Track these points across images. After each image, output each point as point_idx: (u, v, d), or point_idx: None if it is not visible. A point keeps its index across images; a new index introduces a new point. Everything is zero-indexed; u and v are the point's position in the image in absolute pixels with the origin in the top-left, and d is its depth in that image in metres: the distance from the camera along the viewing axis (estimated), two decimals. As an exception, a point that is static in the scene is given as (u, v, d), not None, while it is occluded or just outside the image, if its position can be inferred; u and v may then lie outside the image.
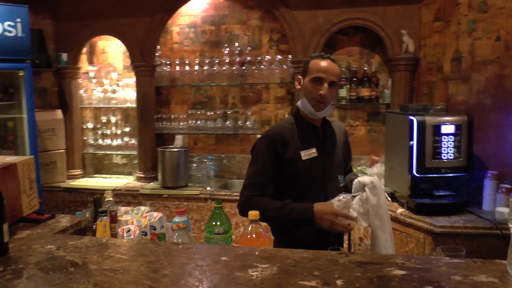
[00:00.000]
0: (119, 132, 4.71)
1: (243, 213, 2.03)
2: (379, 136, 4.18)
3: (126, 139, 4.66)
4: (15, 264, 1.47)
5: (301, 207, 2.00)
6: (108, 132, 4.74)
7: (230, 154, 4.54)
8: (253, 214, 1.62)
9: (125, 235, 1.84)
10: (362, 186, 2.03)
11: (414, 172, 3.00)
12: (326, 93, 2.08)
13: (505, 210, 2.82)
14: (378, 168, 3.76)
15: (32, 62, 3.78)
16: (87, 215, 2.02)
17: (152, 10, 4.37)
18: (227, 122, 4.39)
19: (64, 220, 2.03)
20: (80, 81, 4.75)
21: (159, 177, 4.20)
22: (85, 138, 4.80)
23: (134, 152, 4.58)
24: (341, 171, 2.29)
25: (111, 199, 2.03)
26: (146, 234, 1.95)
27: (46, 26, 4.57)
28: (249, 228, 1.63)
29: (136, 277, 1.32)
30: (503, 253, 2.68)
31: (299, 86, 2.21)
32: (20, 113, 3.80)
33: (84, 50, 4.73)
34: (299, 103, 2.19)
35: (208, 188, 4.03)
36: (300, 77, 2.20)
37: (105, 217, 1.82)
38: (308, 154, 2.13)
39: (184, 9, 4.48)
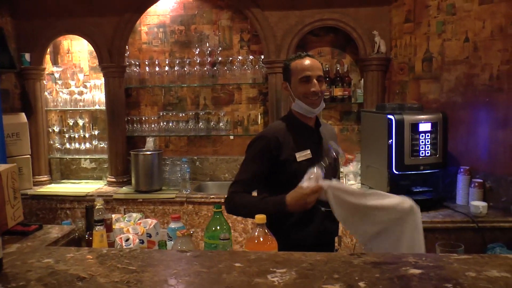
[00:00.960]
0: (87, 135, 4.55)
1: (228, 210, 2.09)
2: (352, 135, 4.26)
3: (94, 142, 4.52)
4: (15, 282, 1.39)
5: (275, 201, 1.99)
6: (76, 135, 4.58)
7: (202, 156, 4.49)
8: (260, 218, 1.61)
9: (124, 244, 1.78)
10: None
11: (394, 170, 3.08)
12: (317, 89, 2.12)
13: (479, 203, 2.95)
14: (354, 167, 3.83)
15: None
16: (80, 225, 1.94)
17: (120, 9, 4.25)
18: (199, 124, 4.34)
19: (54, 231, 1.94)
20: (44, 82, 4.55)
21: (133, 181, 4.09)
22: (51, 142, 4.61)
23: (104, 156, 4.45)
24: (334, 173, 2.32)
25: (102, 206, 1.96)
26: (142, 242, 1.90)
27: (6, 24, 4.34)
28: (256, 232, 1.61)
29: (152, 289, 1.28)
30: (479, 245, 2.81)
31: (287, 91, 2.22)
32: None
33: (48, 50, 4.53)
34: (293, 106, 2.20)
35: (184, 191, 3.97)
36: (285, 82, 2.21)
37: (101, 226, 1.76)
38: (303, 155, 2.14)
39: (153, 8, 4.39)
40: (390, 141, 3.06)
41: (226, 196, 2.12)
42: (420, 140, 3.06)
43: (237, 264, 1.42)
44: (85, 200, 3.98)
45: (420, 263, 1.40)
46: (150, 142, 4.32)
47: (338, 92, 4.07)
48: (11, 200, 1.96)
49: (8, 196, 1.94)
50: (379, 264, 1.41)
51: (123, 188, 4.20)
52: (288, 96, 2.29)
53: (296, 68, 2.14)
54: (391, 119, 3.06)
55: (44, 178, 4.49)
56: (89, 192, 4.07)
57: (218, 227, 1.86)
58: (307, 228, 2.12)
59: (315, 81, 2.12)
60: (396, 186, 3.12)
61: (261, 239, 1.61)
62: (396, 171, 3.07)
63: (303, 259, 1.46)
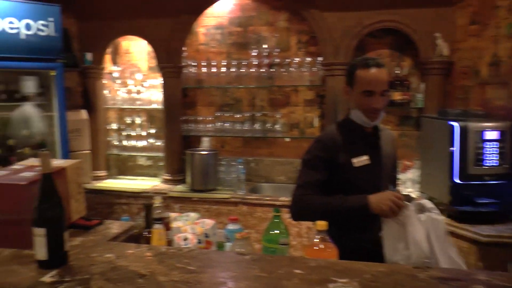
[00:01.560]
0: (144, 133, 4.67)
1: (296, 214, 2.00)
2: (410, 141, 4.12)
3: (151, 140, 4.62)
4: (80, 274, 1.42)
5: (355, 197, 1.94)
6: (133, 133, 4.70)
7: (258, 157, 4.49)
8: (321, 224, 1.57)
9: (182, 243, 1.79)
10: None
11: (455, 179, 2.94)
12: (380, 106, 2.02)
13: (551, 219, 2.76)
14: (412, 174, 3.70)
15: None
16: (139, 222, 1.97)
17: (177, 10, 4.33)
18: (255, 125, 4.34)
19: (114, 227, 1.99)
20: (104, 81, 4.71)
21: (188, 179, 4.15)
22: (109, 139, 4.76)
23: (160, 154, 4.54)
24: (391, 180, 2.24)
25: (160, 205, 1.98)
26: (200, 242, 1.90)
27: (71, 25, 4.53)
28: (316, 239, 1.57)
29: (212, 291, 1.28)
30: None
31: (347, 96, 2.13)
32: (51, 113, 3.76)
33: (108, 50, 4.69)
34: (352, 114, 2.12)
35: (239, 192, 3.97)
36: (348, 87, 2.13)
37: (160, 225, 1.77)
38: (360, 161, 2.07)
39: (210, 10, 4.43)
40: (451, 148, 2.93)
41: (292, 200, 2.04)
42: (485, 149, 2.90)
43: (297, 271, 1.39)
44: (141, 197, 4.08)
45: (493, 282, 1.32)
46: (205, 142, 4.37)
47: (397, 96, 3.95)
48: (75, 194, 2.02)
49: (73, 191, 2.00)
50: (446, 279, 1.34)
51: (178, 186, 4.27)
52: (347, 100, 2.20)
53: (360, 78, 2.02)
54: (453, 126, 2.92)
55: (102, 173, 4.64)
56: (145, 189, 4.17)
57: (277, 231, 1.83)
58: (365, 234, 2.05)
59: (378, 96, 2.01)
60: (458, 196, 2.97)
61: (321, 246, 1.57)
62: (459, 180, 2.93)
63: (364, 269, 1.41)
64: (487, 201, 2.98)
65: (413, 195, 2.04)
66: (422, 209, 1.91)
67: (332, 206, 1.93)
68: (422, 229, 1.84)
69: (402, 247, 1.81)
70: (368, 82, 2.00)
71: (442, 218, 1.92)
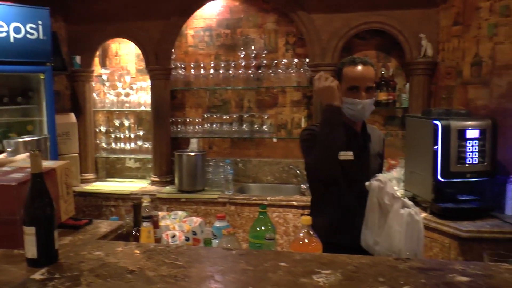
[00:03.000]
0: (132, 135, 4.69)
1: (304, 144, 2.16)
2: (396, 140, 4.19)
3: (139, 142, 4.64)
4: (70, 271, 1.45)
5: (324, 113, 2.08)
6: (121, 135, 4.72)
7: (245, 158, 4.53)
8: (306, 219, 1.62)
9: (170, 240, 1.83)
10: None
11: (439, 177, 3.01)
12: (364, 100, 2.09)
13: (531, 214, 2.84)
14: (397, 172, 3.77)
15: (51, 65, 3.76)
16: (128, 221, 2.00)
17: (166, 13, 4.36)
18: (243, 126, 4.38)
19: (103, 226, 2.02)
20: (93, 84, 4.73)
21: (176, 181, 4.18)
22: (98, 141, 4.78)
23: (148, 156, 4.56)
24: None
25: (148, 204, 2.01)
26: (188, 239, 1.94)
27: (59, 28, 4.54)
28: (301, 234, 1.62)
29: (199, 284, 1.31)
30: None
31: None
32: (40, 116, 3.77)
33: (97, 53, 4.71)
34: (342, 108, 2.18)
35: (227, 192, 4.01)
36: (337, 82, 2.20)
37: (149, 223, 1.81)
38: (345, 155, 2.12)
39: (199, 12, 4.47)
40: (435, 147, 3.00)
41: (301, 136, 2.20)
42: (467, 147, 2.99)
43: (282, 264, 1.43)
44: (130, 199, 4.10)
45: (468, 271, 1.37)
46: (194, 143, 4.40)
47: (382, 96, 4.01)
48: (64, 195, 2.05)
49: (62, 191, 2.02)
50: (425, 270, 1.39)
51: (167, 187, 4.29)
52: None
53: (347, 74, 2.12)
54: (437, 125, 3.00)
55: (91, 176, 4.65)
56: (133, 191, 4.19)
57: (263, 227, 1.88)
58: (345, 232, 2.11)
59: (363, 93, 2.09)
60: (441, 193, 3.06)
61: (306, 241, 1.61)
62: (442, 178, 3.01)
63: (348, 261, 1.45)
64: (468, 198, 3.07)
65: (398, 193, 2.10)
66: (405, 206, 1.97)
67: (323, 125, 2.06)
68: (400, 225, 1.91)
69: (376, 234, 1.94)
70: (353, 77, 2.10)
71: (421, 218, 1.98)
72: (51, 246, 1.52)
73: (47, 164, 2.02)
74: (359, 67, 2.10)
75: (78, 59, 4.54)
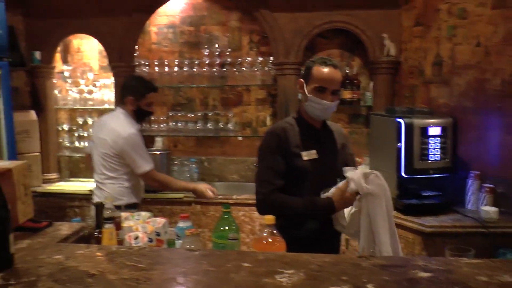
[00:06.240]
0: (96, 134, 4.57)
1: (263, 211, 2.09)
2: (361, 138, 4.25)
3: (103, 141, 4.53)
4: (27, 277, 1.40)
5: (323, 205, 2.08)
6: (85, 134, 4.60)
7: (211, 156, 4.50)
8: (269, 218, 1.61)
9: (133, 242, 1.79)
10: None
11: (402, 173, 3.07)
12: (329, 102, 2.15)
13: (490, 209, 2.93)
14: (362, 170, 3.81)
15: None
16: (90, 222, 1.95)
17: (129, 9, 4.28)
18: (208, 124, 4.35)
19: (64, 228, 1.95)
20: (54, 81, 4.59)
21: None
22: (60, 140, 4.64)
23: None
24: (341, 174, 2.32)
25: (111, 205, 1.97)
26: (151, 241, 1.90)
27: (17, 22, 4.37)
28: (265, 233, 1.62)
29: (161, 287, 1.29)
30: (489, 251, 2.79)
31: (301, 90, 2.22)
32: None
33: (58, 48, 4.57)
34: (305, 106, 2.21)
35: (192, 192, 3.98)
36: (302, 80, 2.21)
37: (111, 224, 1.77)
38: (309, 154, 2.18)
39: (163, 9, 4.41)
40: (399, 144, 3.06)
41: (257, 197, 2.15)
42: (430, 144, 3.05)
43: (245, 264, 1.42)
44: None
45: (430, 267, 1.40)
46: (158, 142, 4.35)
47: (347, 95, 4.05)
48: (22, 196, 1.97)
49: (19, 192, 1.95)
50: (387, 266, 1.41)
51: (131, 187, 4.21)
52: (297, 96, 2.32)
53: (316, 74, 2.15)
54: (400, 123, 3.05)
55: (53, 176, 4.53)
56: (97, 191, 4.09)
57: (227, 227, 1.86)
58: (305, 225, 2.15)
59: (329, 95, 2.14)
60: (405, 189, 3.11)
61: (270, 240, 1.61)
62: (405, 174, 3.06)
63: (311, 260, 1.46)
64: (431, 194, 3.14)
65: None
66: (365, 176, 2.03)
67: (301, 210, 2.09)
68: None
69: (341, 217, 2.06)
70: (322, 78, 2.14)
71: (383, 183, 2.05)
72: (6, 250, 1.46)
73: (2, 164, 1.95)
74: (329, 69, 2.14)
75: (38, 54, 4.40)
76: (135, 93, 3.08)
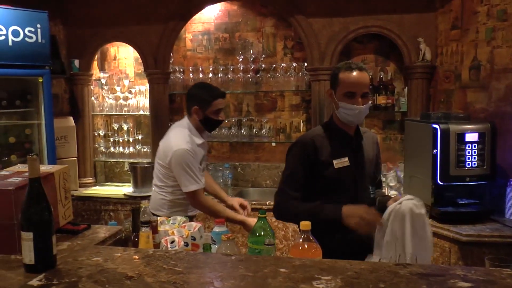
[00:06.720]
0: (131, 139, 4.68)
1: (278, 216, 2.21)
2: (395, 144, 4.19)
3: (138, 146, 4.63)
4: (68, 277, 1.44)
5: (332, 207, 2.04)
6: (120, 139, 4.70)
7: (244, 162, 4.52)
8: (305, 224, 1.61)
9: (169, 246, 1.82)
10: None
11: (438, 181, 3.01)
12: (360, 106, 2.11)
13: (531, 218, 2.83)
14: (394, 175, 3.77)
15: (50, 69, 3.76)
16: (127, 226, 1.99)
17: (165, 17, 4.36)
18: (242, 130, 4.38)
19: (101, 231, 2.01)
20: (91, 87, 4.72)
21: (175, 185, 4.15)
22: (96, 145, 4.76)
23: (147, 160, 4.55)
24: (373, 181, 2.30)
25: (147, 209, 2.00)
26: (187, 245, 1.93)
27: (58, 32, 4.54)
28: (301, 239, 1.61)
29: (198, 290, 1.30)
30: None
31: (331, 98, 2.22)
32: (38, 120, 3.76)
33: (96, 56, 4.70)
34: (334, 115, 2.22)
35: (226, 197, 4.00)
36: (331, 90, 2.20)
37: (147, 228, 1.80)
38: (340, 162, 2.16)
39: (198, 16, 4.47)
40: (434, 151, 3.00)
41: (274, 204, 2.20)
42: (467, 151, 2.98)
43: (282, 270, 1.42)
44: (128, 203, 4.08)
45: (469, 277, 1.36)
46: (192, 148, 4.38)
47: (381, 100, 4.01)
48: (63, 199, 2.04)
49: (60, 196, 2.01)
50: (426, 275, 1.38)
51: (166, 192, 4.27)
52: (331, 103, 2.29)
53: (343, 80, 2.12)
54: (436, 129, 2.99)
55: (89, 180, 4.64)
56: (132, 195, 4.17)
57: (262, 233, 1.87)
58: (348, 234, 2.10)
59: (359, 98, 2.11)
60: (440, 197, 3.05)
61: (306, 246, 1.61)
62: (441, 182, 3.00)
63: (348, 267, 1.44)
64: (468, 202, 3.06)
65: (393, 195, 2.12)
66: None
67: (309, 214, 1.97)
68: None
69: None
70: (349, 83, 2.11)
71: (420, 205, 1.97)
72: (49, 252, 1.51)
73: (45, 168, 2.01)
74: (356, 73, 2.11)
75: (76, 62, 4.54)
76: (200, 101, 2.86)
